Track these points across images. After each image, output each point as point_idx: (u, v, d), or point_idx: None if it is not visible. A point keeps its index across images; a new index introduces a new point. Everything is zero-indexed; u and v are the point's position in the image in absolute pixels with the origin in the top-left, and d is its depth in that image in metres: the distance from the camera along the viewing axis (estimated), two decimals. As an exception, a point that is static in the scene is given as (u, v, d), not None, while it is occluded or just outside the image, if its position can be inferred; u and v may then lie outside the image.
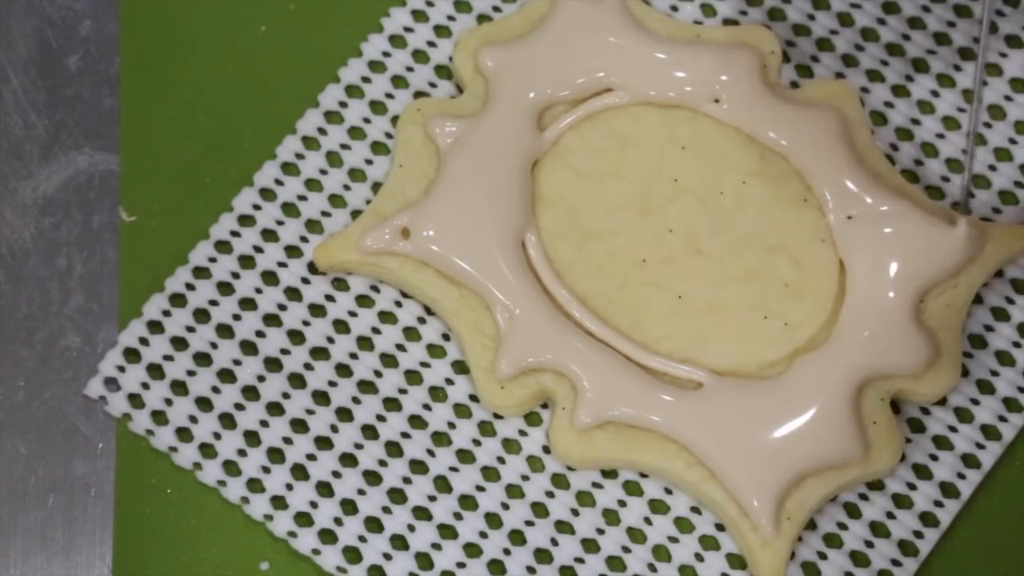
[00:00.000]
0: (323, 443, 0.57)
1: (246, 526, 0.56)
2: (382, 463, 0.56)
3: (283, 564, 0.56)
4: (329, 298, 0.58)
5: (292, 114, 0.60)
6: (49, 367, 0.58)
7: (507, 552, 0.56)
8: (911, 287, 0.56)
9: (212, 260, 0.59)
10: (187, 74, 0.61)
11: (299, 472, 0.56)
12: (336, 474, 0.56)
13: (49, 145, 0.60)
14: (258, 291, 0.58)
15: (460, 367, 0.58)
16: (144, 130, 0.60)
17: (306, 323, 0.58)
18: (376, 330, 0.58)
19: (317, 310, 0.58)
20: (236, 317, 0.58)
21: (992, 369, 0.57)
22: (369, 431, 0.57)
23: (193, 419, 0.57)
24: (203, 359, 0.58)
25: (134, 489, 0.56)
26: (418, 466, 0.57)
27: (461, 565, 0.55)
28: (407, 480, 0.56)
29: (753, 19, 0.61)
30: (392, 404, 0.57)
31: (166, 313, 0.58)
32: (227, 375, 0.57)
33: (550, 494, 0.56)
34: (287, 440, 0.57)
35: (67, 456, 0.57)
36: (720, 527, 0.56)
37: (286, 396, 0.57)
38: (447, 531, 0.56)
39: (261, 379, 0.57)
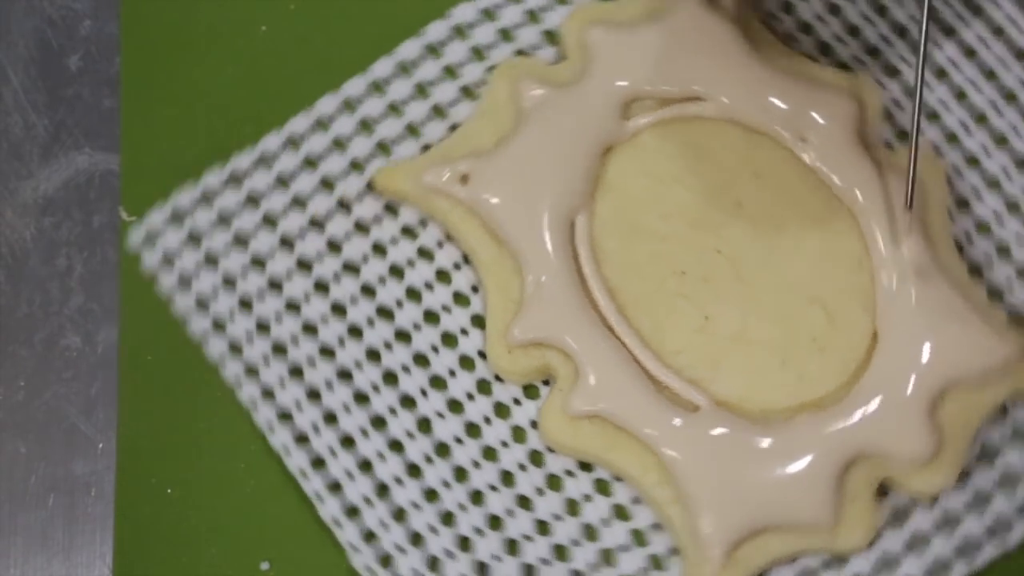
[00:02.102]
0: (326, 353, 0.58)
1: (246, 526, 0.56)
2: (375, 388, 0.57)
3: (283, 564, 0.56)
4: (376, 219, 0.59)
5: (292, 114, 0.60)
6: (49, 367, 0.58)
7: (463, 508, 0.56)
8: (936, 380, 0.55)
9: (278, 152, 0.59)
10: (187, 74, 0.61)
11: (295, 373, 0.57)
12: (328, 384, 0.57)
13: (49, 145, 0.60)
14: (311, 194, 0.59)
15: (478, 321, 0.58)
16: (144, 130, 0.60)
17: (347, 236, 0.59)
18: (411, 263, 0.58)
19: (362, 228, 0.59)
20: (283, 212, 0.59)
21: (991, 484, 0.56)
22: (373, 356, 0.57)
23: (215, 293, 0.58)
24: (240, 243, 0.59)
25: (134, 489, 0.57)
26: (408, 402, 0.57)
27: (416, 506, 0.56)
28: (392, 411, 0.57)
29: (867, 70, 0.60)
30: (403, 336, 0.58)
31: (221, 190, 0.59)
32: (258, 264, 0.58)
33: (522, 467, 0.56)
34: (293, 339, 0.57)
35: (67, 456, 0.57)
36: (675, 551, 0.56)
37: (306, 298, 0.58)
38: (414, 471, 0.56)
39: (288, 276, 0.58)
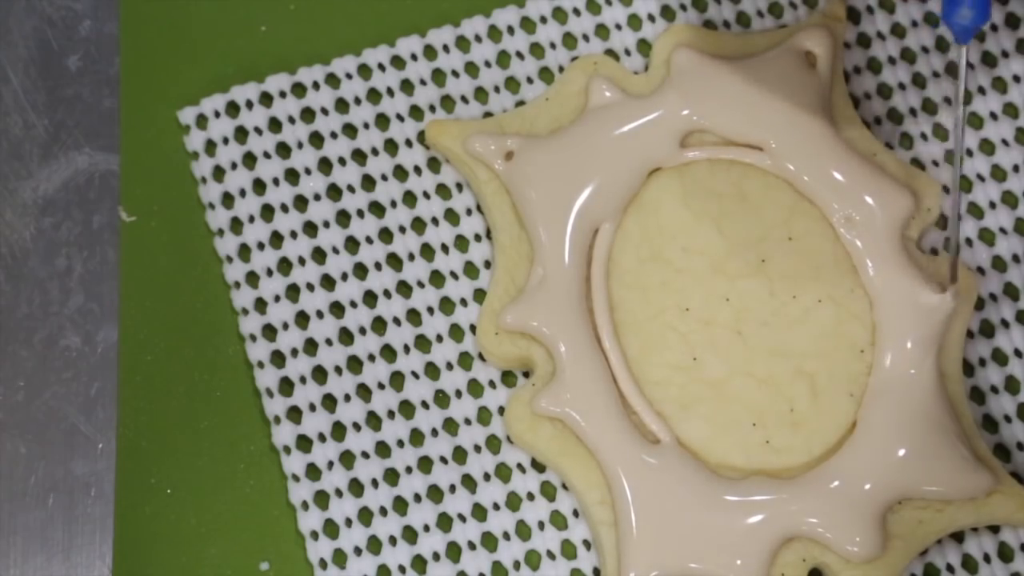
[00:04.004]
0: (327, 283, 0.58)
1: (246, 526, 0.56)
2: (362, 330, 0.58)
3: (283, 564, 0.56)
4: (417, 169, 0.59)
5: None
6: (49, 367, 0.58)
7: (408, 470, 0.56)
8: (898, 488, 0.54)
9: (348, 76, 0.60)
10: (187, 74, 0.61)
11: (292, 291, 0.58)
12: (319, 314, 0.58)
13: (49, 145, 0.60)
14: (365, 126, 0.60)
15: (481, 296, 0.58)
16: (144, 130, 0.60)
17: (384, 177, 0.59)
18: (435, 221, 0.59)
19: (401, 173, 0.59)
20: (333, 135, 0.59)
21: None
22: (370, 298, 0.58)
23: (243, 192, 0.59)
24: (284, 150, 0.59)
25: (134, 489, 0.56)
26: (388, 353, 0.57)
27: (365, 455, 0.56)
28: (371, 357, 0.57)
29: (940, 175, 0.59)
30: (404, 288, 0.58)
31: (281, 94, 0.60)
32: (292, 175, 0.59)
33: (477, 448, 0.57)
34: (300, 260, 0.58)
35: (67, 456, 0.57)
36: (597, 572, 0.56)
37: (326, 224, 0.59)
38: (373, 421, 0.57)
39: (317, 197, 0.59)
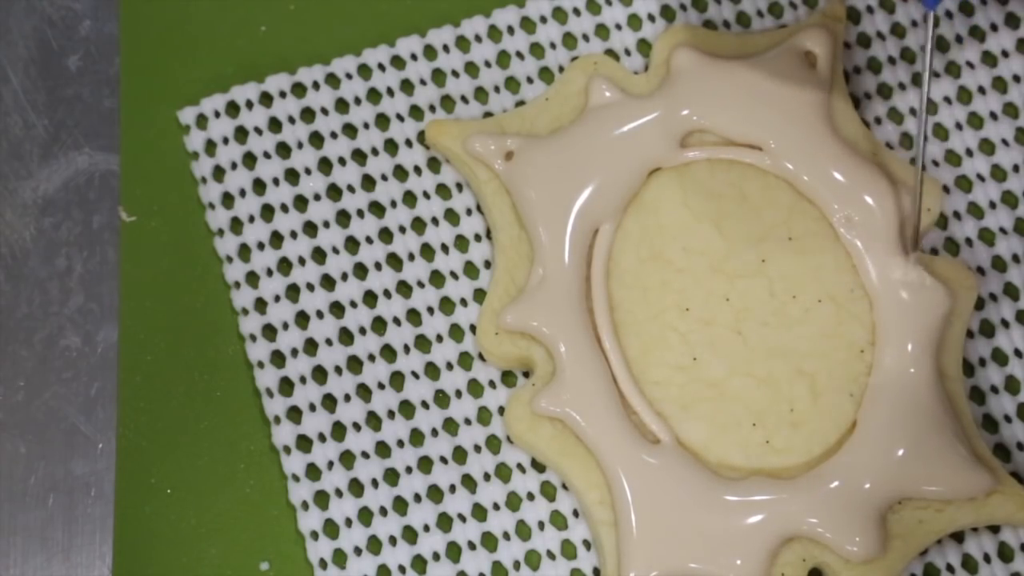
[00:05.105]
0: (326, 283, 0.58)
1: (246, 526, 0.56)
2: (361, 330, 0.58)
3: (283, 564, 0.56)
4: (417, 169, 0.59)
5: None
6: (49, 367, 0.58)
7: (408, 470, 0.56)
8: (897, 488, 0.55)
9: (348, 76, 0.60)
10: (187, 74, 0.61)
11: (292, 291, 0.58)
12: (319, 314, 0.58)
13: (49, 145, 0.60)
14: (365, 126, 0.60)
15: (481, 296, 0.58)
16: (144, 130, 0.60)
17: (384, 177, 0.59)
18: (435, 221, 0.59)
19: (401, 173, 0.59)
20: (333, 135, 0.59)
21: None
22: (370, 298, 0.58)
23: (243, 192, 0.59)
24: (284, 151, 0.59)
25: (134, 489, 0.56)
26: (388, 353, 0.57)
27: (365, 455, 0.56)
28: (371, 357, 0.57)
29: (940, 174, 0.59)
30: (404, 288, 0.58)
31: (281, 94, 0.60)
32: (292, 176, 0.59)
33: (477, 448, 0.57)
34: (300, 260, 0.58)
35: (67, 456, 0.57)
36: (596, 572, 0.56)
37: (326, 224, 0.59)
38: (373, 421, 0.57)
39: (317, 197, 0.59)
